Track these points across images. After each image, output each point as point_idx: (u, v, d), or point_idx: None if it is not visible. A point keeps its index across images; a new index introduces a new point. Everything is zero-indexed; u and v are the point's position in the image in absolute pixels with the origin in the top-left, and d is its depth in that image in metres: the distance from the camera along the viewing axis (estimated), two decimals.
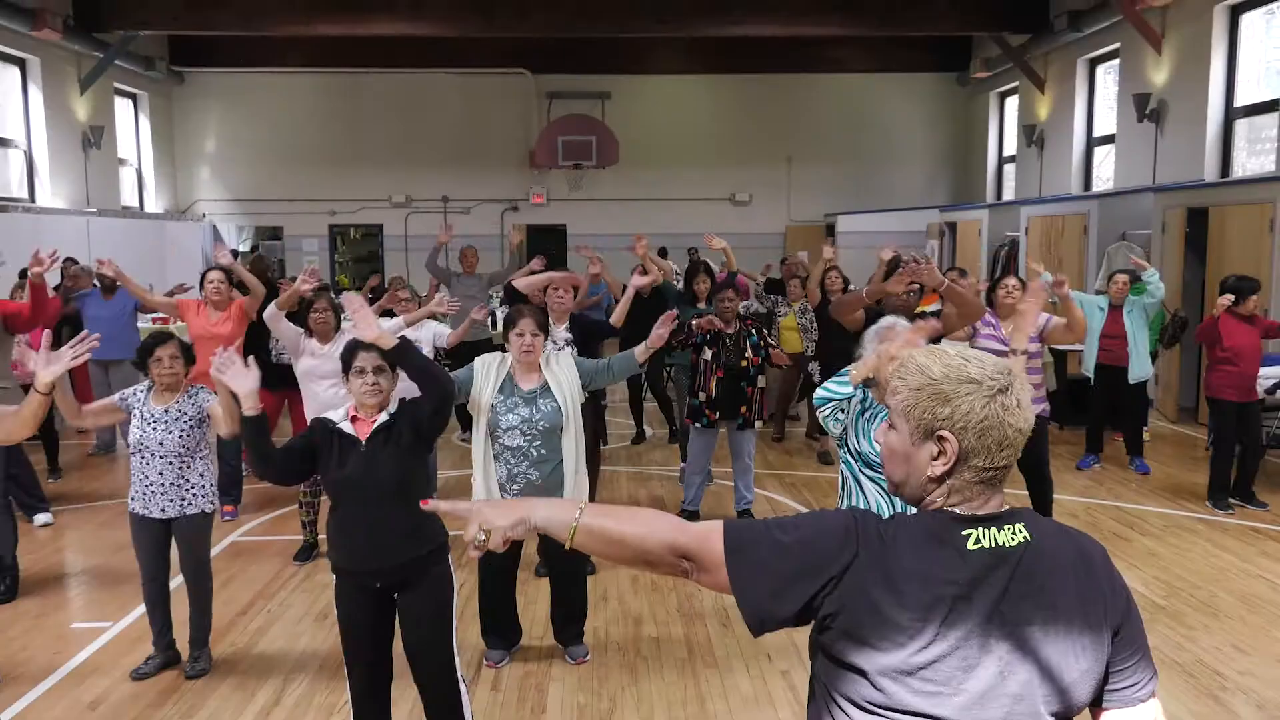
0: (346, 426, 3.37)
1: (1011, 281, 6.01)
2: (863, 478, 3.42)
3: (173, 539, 4.38)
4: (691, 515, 6.51)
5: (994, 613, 1.51)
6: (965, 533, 1.54)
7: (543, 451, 4.26)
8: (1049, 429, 6.09)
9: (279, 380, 7.03)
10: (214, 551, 5.98)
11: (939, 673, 1.49)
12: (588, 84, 17.31)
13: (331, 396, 5.91)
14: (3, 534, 5.36)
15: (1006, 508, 1.59)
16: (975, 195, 17.24)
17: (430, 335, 6.75)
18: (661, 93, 17.70)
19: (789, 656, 4.57)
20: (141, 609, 5.02)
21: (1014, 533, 1.55)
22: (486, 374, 4.30)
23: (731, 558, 1.57)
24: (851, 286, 9.58)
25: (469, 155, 17.57)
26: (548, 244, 17.84)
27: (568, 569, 4.56)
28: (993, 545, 1.54)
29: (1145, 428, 8.40)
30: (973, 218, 14.77)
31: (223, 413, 4.17)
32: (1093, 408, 8.19)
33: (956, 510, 1.57)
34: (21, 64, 13.28)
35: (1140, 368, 7.70)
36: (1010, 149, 16.41)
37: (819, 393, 3.51)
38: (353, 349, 3.42)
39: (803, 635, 4.48)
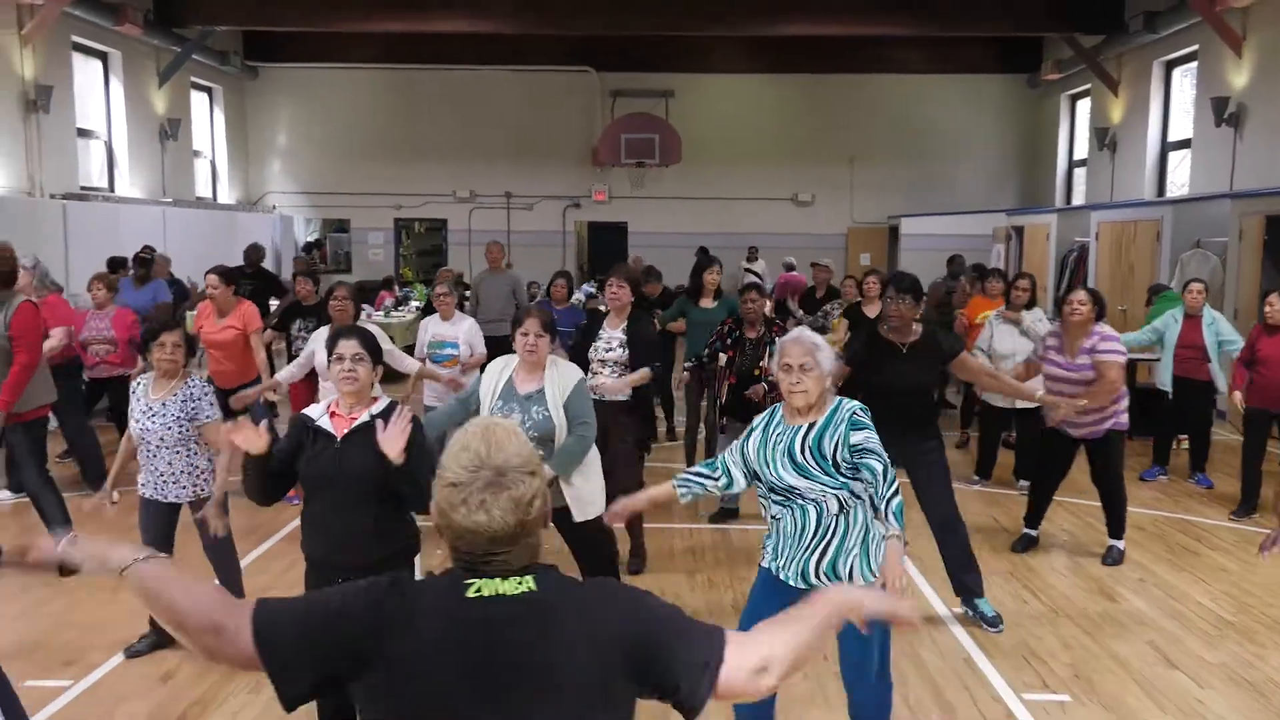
0: (324, 423, 3.34)
1: (1079, 296, 5.71)
2: (770, 501, 3.32)
3: (179, 520, 4.51)
4: (729, 513, 6.56)
5: (486, 663, 1.58)
6: (467, 582, 1.63)
7: (539, 454, 4.22)
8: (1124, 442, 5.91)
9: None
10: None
11: None
12: (651, 82, 17.35)
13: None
14: (49, 505, 5.54)
15: (522, 565, 1.67)
16: (1044, 199, 16.94)
17: (465, 332, 6.66)
18: (725, 91, 17.67)
19: None
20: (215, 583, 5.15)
21: (518, 583, 1.63)
22: (490, 380, 4.30)
23: (260, 636, 1.61)
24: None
25: (532, 152, 17.71)
26: (609, 242, 17.99)
27: (587, 564, 4.54)
28: (493, 595, 1.61)
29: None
30: (1041, 222, 14.52)
31: (222, 452, 4.36)
32: (1165, 419, 7.97)
33: (467, 562, 1.67)
34: (104, 58, 13.70)
35: (1220, 381, 7.49)
36: (1081, 152, 16.09)
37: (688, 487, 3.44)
38: (335, 336, 3.43)
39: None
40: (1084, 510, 6.74)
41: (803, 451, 3.18)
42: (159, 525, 4.45)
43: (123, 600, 5.12)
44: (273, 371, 6.81)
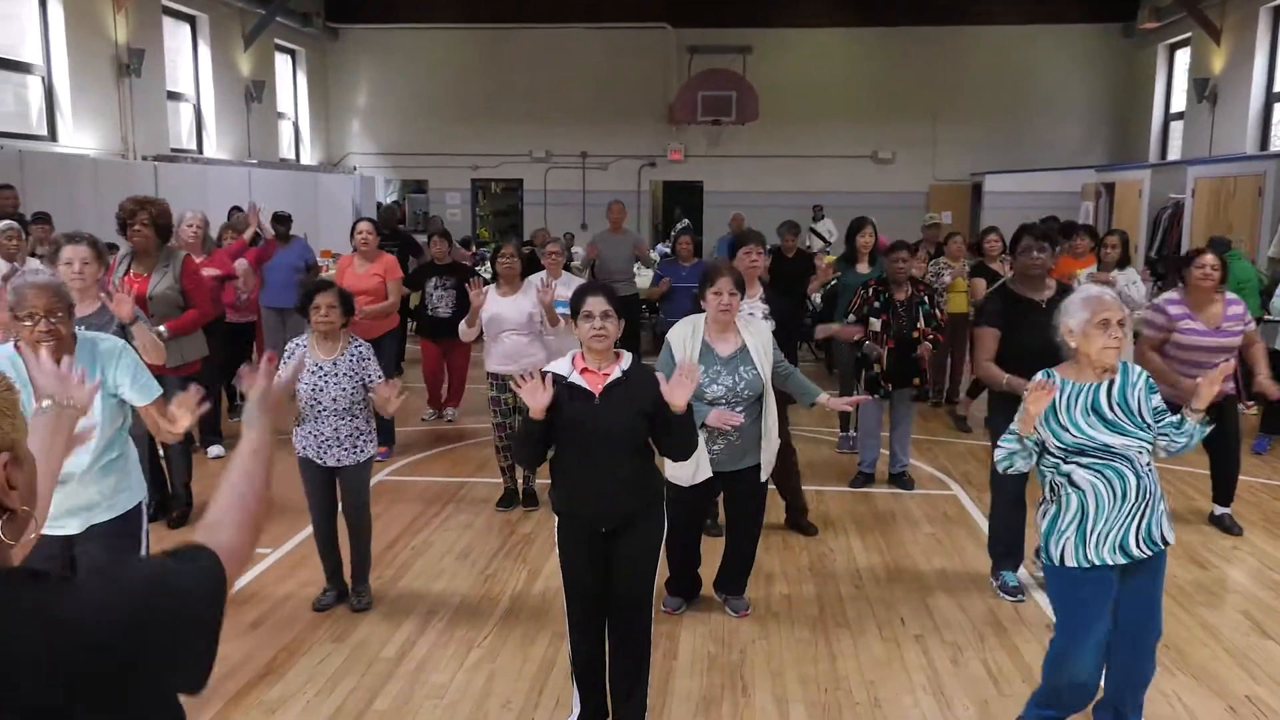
0: (577, 379, 3.38)
1: (1210, 259, 5.31)
2: (1075, 468, 3.16)
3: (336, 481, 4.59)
4: (867, 477, 6.52)
5: None
6: None
7: (743, 413, 4.25)
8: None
9: (436, 331, 7.42)
10: None
11: None
12: (729, 38, 17.07)
13: (511, 345, 5.89)
14: (178, 466, 5.75)
15: None
16: (1137, 154, 16.30)
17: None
18: (804, 46, 17.31)
19: (922, 620, 4.50)
20: (299, 538, 5.33)
21: None
22: (683, 347, 4.28)
23: None
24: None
25: (608, 110, 17.61)
26: (685, 201, 17.87)
27: (750, 523, 4.57)
28: None
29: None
30: (1133, 178, 13.98)
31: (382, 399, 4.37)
32: None
33: None
34: (192, 21, 13.99)
35: None
36: (1178, 105, 15.40)
37: (998, 454, 3.30)
38: (582, 293, 3.47)
39: (937, 599, 4.38)
40: (1174, 475, 6.54)
41: (1111, 408, 3.15)
42: (323, 488, 4.54)
43: None
44: (404, 327, 7.07)
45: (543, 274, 6.78)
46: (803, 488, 5.72)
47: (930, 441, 7.65)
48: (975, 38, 16.87)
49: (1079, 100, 17.07)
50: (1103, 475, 3.12)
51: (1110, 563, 3.15)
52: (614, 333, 3.40)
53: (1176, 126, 15.45)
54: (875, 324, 6.12)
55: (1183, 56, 15.29)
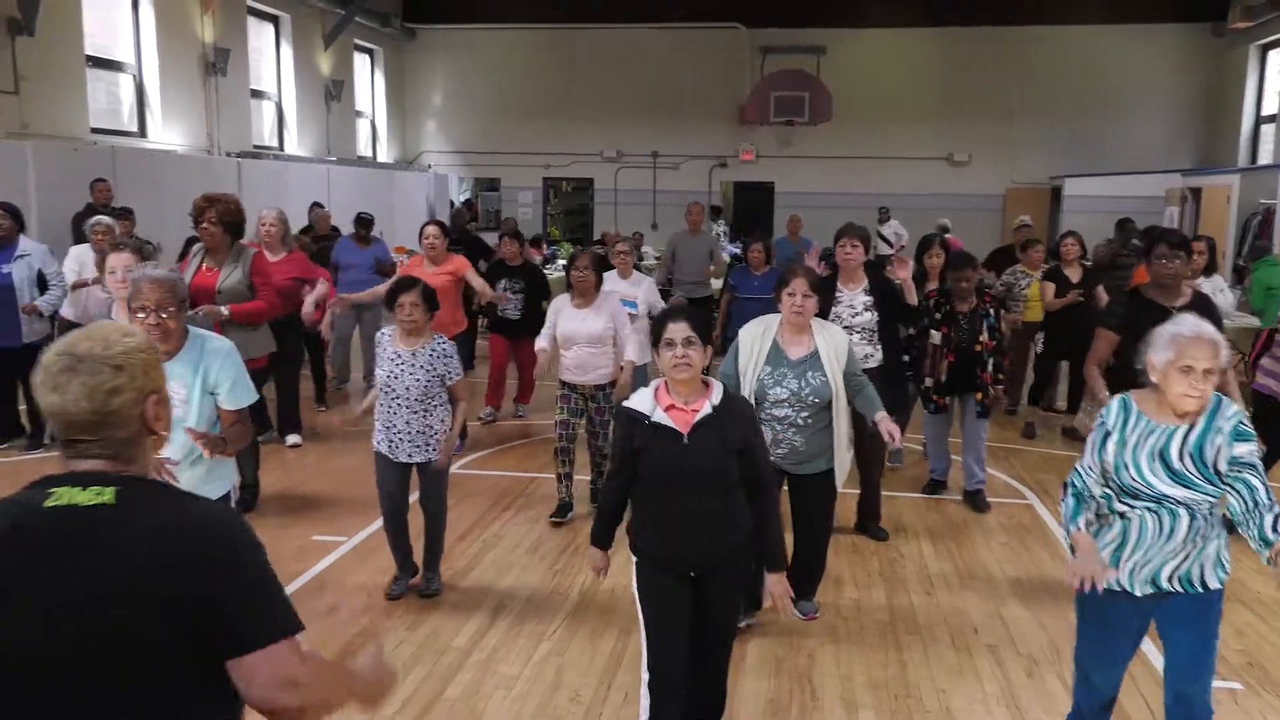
0: (661, 417, 3.08)
1: None
2: (1128, 509, 2.94)
3: (413, 476, 4.64)
4: (939, 484, 6.40)
5: (39, 583, 1.47)
6: (50, 490, 1.55)
7: (809, 420, 4.17)
8: None
9: (507, 329, 7.70)
10: None
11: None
12: (802, 38, 16.97)
13: (583, 357, 5.78)
14: (247, 457, 5.87)
15: (109, 468, 1.59)
16: (1225, 158, 15.79)
17: (645, 292, 6.75)
18: (879, 46, 17.13)
19: (996, 630, 4.42)
20: (374, 526, 5.43)
21: (97, 494, 1.53)
22: (752, 347, 4.19)
23: None
24: (1087, 261, 8.78)
25: (680, 110, 17.63)
26: (756, 201, 17.80)
27: (815, 526, 4.52)
28: (68, 505, 1.52)
29: None
30: (1221, 183, 13.55)
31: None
32: None
33: (63, 454, 1.62)
34: (275, 21, 14.35)
35: None
36: (1270, 107, 14.89)
37: (1062, 506, 3.01)
38: (663, 319, 3.16)
39: (1011, 609, 4.29)
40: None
41: (1180, 458, 2.84)
42: (395, 481, 4.61)
43: (290, 538, 5.43)
44: (473, 317, 7.14)
45: (614, 273, 6.79)
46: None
47: (1005, 449, 7.50)
48: (1056, 37, 16.53)
49: (1164, 102, 16.61)
50: (1155, 514, 2.91)
51: (1139, 594, 2.97)
52: (699, 361, 3.06)
53: (1268, 130, 14.95)
54: (936, 337, 6.01)
55: (1275, 57, 14.79)
